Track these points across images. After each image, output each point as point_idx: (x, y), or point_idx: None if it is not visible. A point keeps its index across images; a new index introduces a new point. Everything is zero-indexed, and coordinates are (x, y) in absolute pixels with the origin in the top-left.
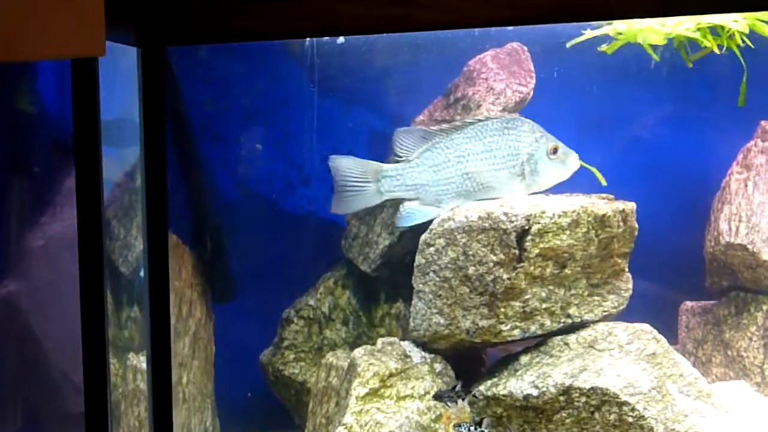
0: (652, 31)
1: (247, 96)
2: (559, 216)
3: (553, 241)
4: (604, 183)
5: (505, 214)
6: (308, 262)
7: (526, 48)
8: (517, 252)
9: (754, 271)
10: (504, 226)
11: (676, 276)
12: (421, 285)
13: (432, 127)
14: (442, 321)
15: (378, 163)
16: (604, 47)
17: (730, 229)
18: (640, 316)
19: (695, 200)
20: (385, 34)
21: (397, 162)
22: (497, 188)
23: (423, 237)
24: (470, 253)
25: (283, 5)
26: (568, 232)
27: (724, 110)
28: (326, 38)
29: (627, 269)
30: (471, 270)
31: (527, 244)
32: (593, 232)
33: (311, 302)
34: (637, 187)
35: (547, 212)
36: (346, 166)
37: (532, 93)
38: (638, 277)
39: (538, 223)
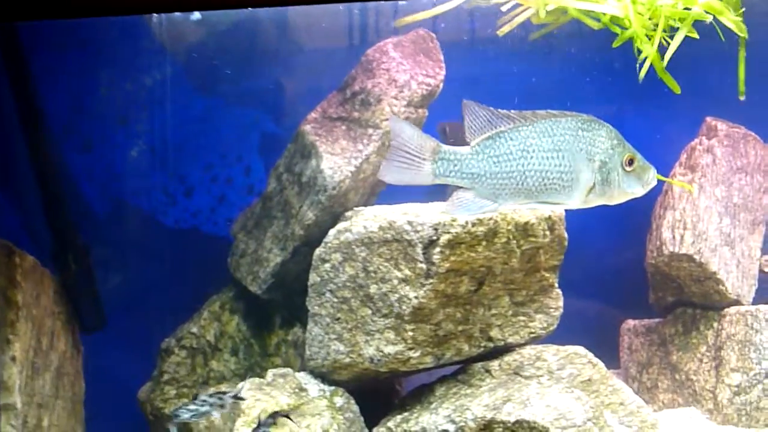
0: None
1: (117, 97)
2: (474, 224)
3: (467, 253)
4: (693, 192)
5: (410, 223)
6: (192, 284)
7: (434, 35)
8: (424, 266)
9: (702, 285)
10: (408, 237)
11: (617, 291)
12: (316, 307)
13: (500, 111)
14: (341, 348)
15: (437, 141)
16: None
17: (673, 237)
18: (577, 337)
19: (636, 206)
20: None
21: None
22: (561, 192)
23: (317, 252)
24: (371, 269)
25: None
26: (484, 242)
27: (666, 104)
28: (208, 30)
29: (557, 285)
30: (373, 288)
31: (436, 257)
32: (515, 242)
33: (194, 330)
34: None
35: (458, 220)
36: (405, 134)
37: (441, 85)
38: (574, 293)
39: (448, 232)
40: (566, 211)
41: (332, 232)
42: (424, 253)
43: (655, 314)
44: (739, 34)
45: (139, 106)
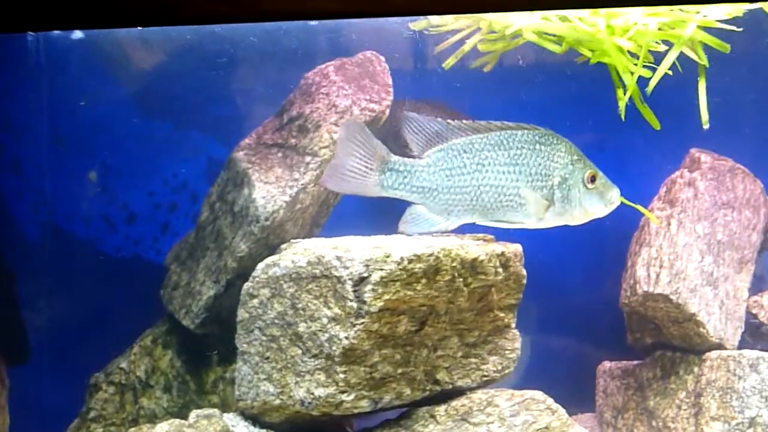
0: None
1: (54, 115)
2: (410, 261)
3: (403, 291)
4: (656, 222)
5: (338, 258)
6: (132, 315)
7: (383, 59)
8: (355, 305)
9: (681, 326)
10: (337, 274)
11: (598, 331)
12: (245, 345)
13: (452, 122)
14: (271, 389)
15: (387, 150)
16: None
17: (648, 276)
18: (553, 379)
19: (613, 241)
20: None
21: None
22: (518, 211)
23: (245, 286)
24: (300, 306)
25: None
26: (424, 280)
27: (646, 136)
28: (155, 50)
29: (513, 325)
30: (302, 327)
31: (367, 295)
32: (461, 280)
33: (123, 365)
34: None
35: (392, 256)
36: (355, 138)
37: (387, 112)
38: (550, 332)
39: (381, 269)
40: (542, 244)
41: (260, 266)
42: (354, 291)
43: (635, 356)
44: (700, 62)
45: (77, 126)
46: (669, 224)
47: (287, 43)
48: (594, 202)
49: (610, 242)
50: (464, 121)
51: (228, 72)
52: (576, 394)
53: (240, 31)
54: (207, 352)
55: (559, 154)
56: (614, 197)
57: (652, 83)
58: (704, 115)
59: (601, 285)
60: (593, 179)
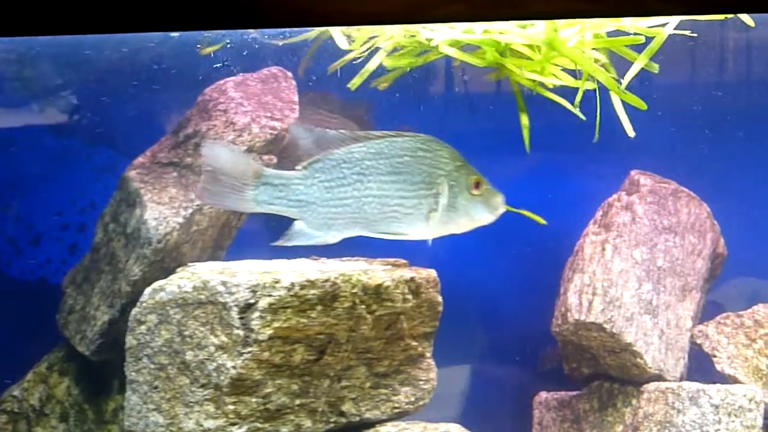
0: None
1: None
2: (303, 287)
3: (296, 319)
4: (543, 222)
5: (224, 283)
6: (28, 342)
7: (290, 74)
8: (242, 333)
9: (617, 356)
10: (222, 300)
11: (534, 361)
12: (134, 373)
13: (330, 131)
14: (160, 420)
15: (260, 165)
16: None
17: (580, 303)
18: (490, 410)
19: (549, 266)
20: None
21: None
22: (403, 221)
23: (133, 312)
24: (187, 333)
25: None
26: (320, 307)
27: (587, 155)
28: (64, 64)
29: (429, 354)
30: (189, 355)
31: (255, 323)
32: (364, 307)
33: (16, 393)
34: (474, 250)
35: (282, 282)
36: (221, 158)
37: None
38: (484, 362)
39: (269, 296)
40: (473, 271)
41: (148, 290)
42: (240, 318)
43: (573, 386)
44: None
45: None
46: (603, 249)
47: (198, 57)
48: (479, 209)
49: (551, 267)
50: (342, 131)
51: (138, 87)
52: (511, 426)
53: (150, 46)
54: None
55: (443, 160)
56: (499, 203)
57: (576, 100)
58: (628, 128)
59: (539, 312)
60: (478, 185)
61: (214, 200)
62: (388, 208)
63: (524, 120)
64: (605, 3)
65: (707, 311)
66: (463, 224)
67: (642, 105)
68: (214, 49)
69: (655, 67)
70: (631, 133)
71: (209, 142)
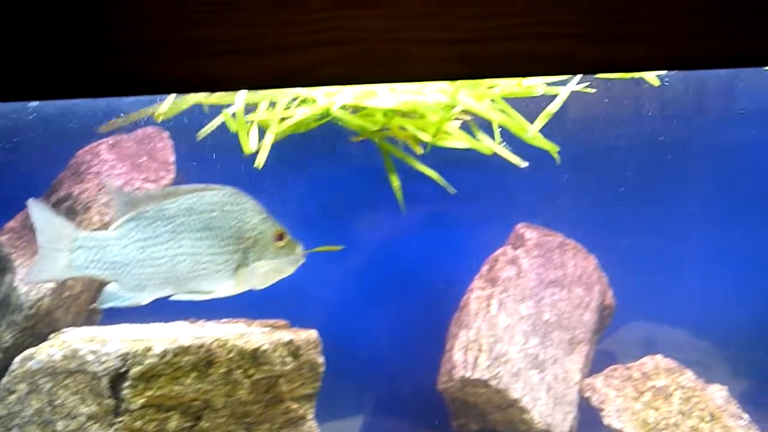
0: None
1: None
2: (176, 354)
3: (169, 386)
4: (339, 248)
5: (94, 352)
6: None
7: (166, 134)
8: (112, 402)
9: (505, 413)
10: (92, 369)
11: (422, 417)
12: None
13: (139, 191)
14: None
15: (74, 227)
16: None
17: (466, 360)
18: None
19: (437, 321)
20: None
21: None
22: (212, 278)
23: (3, 381)
24: (57, 402)
25: None
26: (194, 374)
27: (476, 208)
28: None
29: (311, 416)
30: (60, 425)
31: (126, 392)
32: (240, 372)
33: None
34: (355, 304)
35: (153, 350)
36: (39, 219)
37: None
38: (372, 419)
39: (141, 364)
40: (359, 327)
41: (17, 359)
42: (111, 387)
43: None
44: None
45: None
46: (489, 305)
47: (74, 121)
48: (284, 261)
49: (439, 322)
50: (154, 189)
51: (9, 150)
52: None
53: (22, 109)
54: None
55: (249, 213)
56: (300, 254)
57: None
58: (515, 160)
59: (426, 368)
60: (281, 237)
61: (34, 276)
62: (199, 266)
63: (395, 182)
64: (479, 65)
65: (599, 362)
66: (269, 278)
67: (554, 149)
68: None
69: (526, 130)
70: (523, 164)
71: (32, 201)
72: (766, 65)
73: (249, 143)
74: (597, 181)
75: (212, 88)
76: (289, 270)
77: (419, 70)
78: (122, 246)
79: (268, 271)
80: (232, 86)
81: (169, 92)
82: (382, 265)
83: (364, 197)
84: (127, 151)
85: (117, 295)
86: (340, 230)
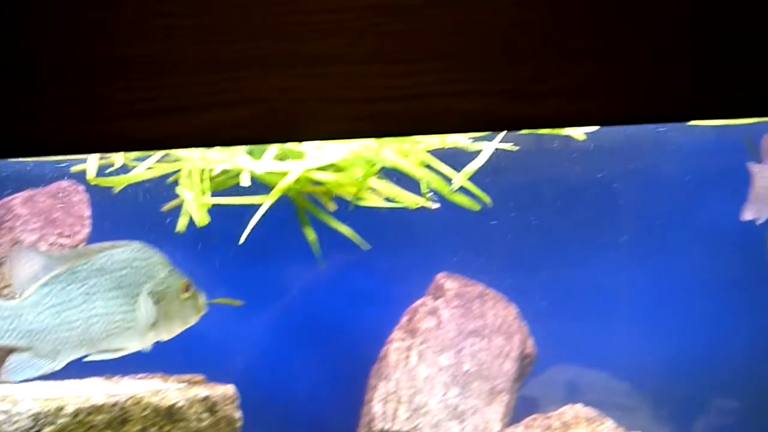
0: None
1: None
2: (89, 413)
3: None
4: (238, 303)
5: (5, 412)
6: None
7: (82, 187)
8: None
9: None
10: (4, 430)
11: None
12: None
13: (53, 252)
14: None
15: None
16: None
17: (385, 412)
18: None
19: (357, 373)
20: None
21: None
22: (124, 335)
23: None
24: None
25: None
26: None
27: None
28: None
29: None
30: None
31: None
32: (155, 430)
33: None
34: (275, 356)
35: (66, 409)
36: None
37: (84, 245)
38: None
39: (53, 424)
40: (279, 378)
41: None
42: None
43: None
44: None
45: None
46: (408, 356)
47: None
48: (189, 311)
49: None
50: (67, 250)
51: None
52: None
53: None
54: None
55: (157, 267)
56: (204, 303)
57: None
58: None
59: (347, 420)
60: (187, 288)
61: None
62: (112, 325)
63: (310, 235)
64: (392, 123)
65: (520, 410)
66: (175, 328)
67: (475, 206)
68: None
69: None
70: (435, 206)
71: None
72: (683, 120)
73: (204, 215)
74: (518, 230)
75: (124, 149)
76: (194, 320)
77: (330, 130)
78: (37, 313)
79: (177, 322)
80: (144, 147)
81: (68, 153)
82: (301, 316)
83: (282, 246)
84: (42, 205)
85: (29, 363)
86: (257, 280)
